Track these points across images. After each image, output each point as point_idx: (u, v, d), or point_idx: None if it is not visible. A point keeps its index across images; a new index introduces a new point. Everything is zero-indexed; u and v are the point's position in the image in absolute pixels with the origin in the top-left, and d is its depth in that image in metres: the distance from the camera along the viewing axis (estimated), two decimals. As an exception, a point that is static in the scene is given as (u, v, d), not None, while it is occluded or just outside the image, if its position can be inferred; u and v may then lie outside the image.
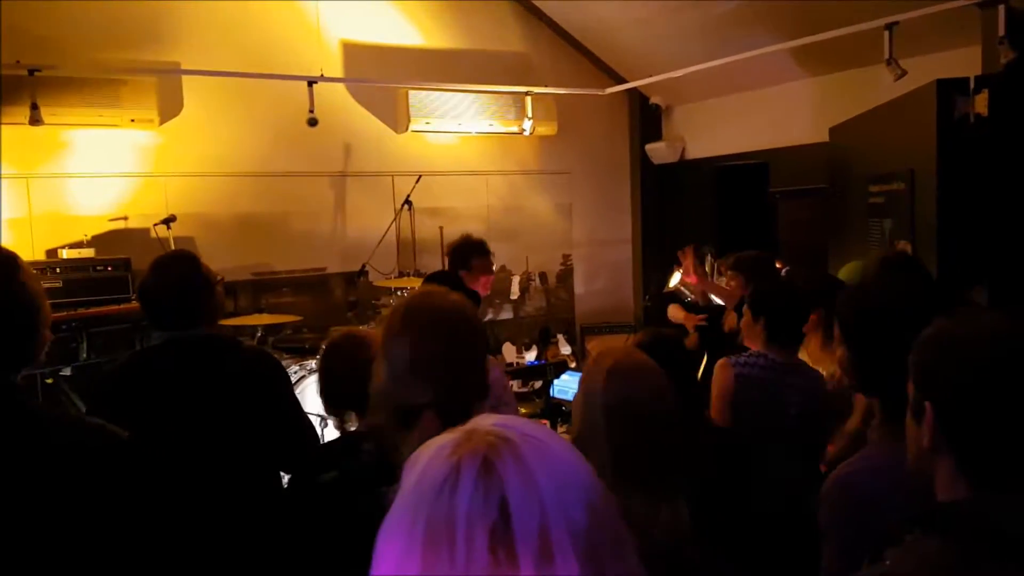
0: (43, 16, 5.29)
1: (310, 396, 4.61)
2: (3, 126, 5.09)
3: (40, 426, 1.52)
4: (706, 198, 6.04)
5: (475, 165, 7.11)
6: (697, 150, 7.41)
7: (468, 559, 0.72)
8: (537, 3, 7.10)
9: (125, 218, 5.69)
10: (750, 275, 4.00)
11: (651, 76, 6.55)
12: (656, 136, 7.68)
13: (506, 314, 7.37)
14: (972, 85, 3.48)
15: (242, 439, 2.36)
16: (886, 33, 4.50)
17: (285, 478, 2.61)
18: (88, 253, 5.29)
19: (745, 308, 3.13)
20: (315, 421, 3.61)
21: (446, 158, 6.95)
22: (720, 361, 3.02)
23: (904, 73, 4.45)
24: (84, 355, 4.80)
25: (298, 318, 5.59)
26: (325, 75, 5.92)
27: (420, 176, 6.29)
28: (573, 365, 5.79)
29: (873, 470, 1.60)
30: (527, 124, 6.74)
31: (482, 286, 4.40)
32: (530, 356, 7.16)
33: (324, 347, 2.49)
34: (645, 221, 7.84)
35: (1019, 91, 3.55)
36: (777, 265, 5.30)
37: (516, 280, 7.37)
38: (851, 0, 4.75)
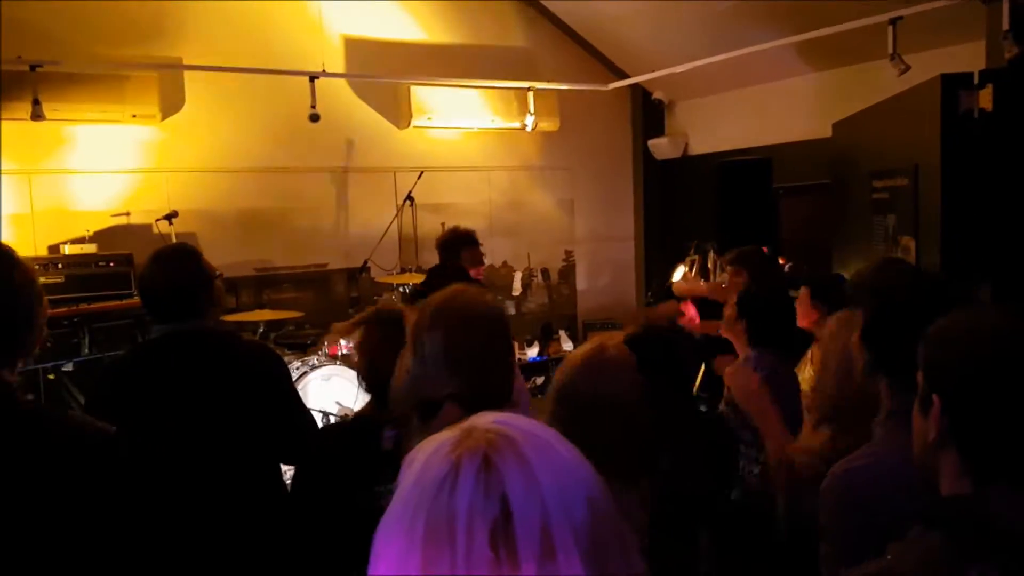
0: (45, 11, 5.29)
1: (312, 392, 4.61)
2: (5, 122, 5.09)
3: (24, 422, 1.51)
4: (708, 194, 6.02)
5: (477, 161, 7.09)
6: (700, 146, 7.39)
7: (469, 557, 0.71)
8: (539, -2, 7.10)
9: (127, 214, 5.69)
10: (753, 270, 3.99)
11: (654, 71, 6.54)
12: (658, 132, 7.67)
13: (508, 310, 7.37)
14: (976, 80, 3.47)
15: (242, 432, 2.35)
16: (890, 28, 4.49)
17: (286, 474, 2.60)
18: (90, 249, 5.29)
19: (730, 302, 3.13)
20: (316, 416, 3.62)
21: (448, 154, 6.94)
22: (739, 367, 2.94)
23: (908, 68, 4.44)
24: (86, 350, 4.80)
25: (300, 314, 5.59)
26: (327, 70, 5.92)
27: (422, 172, 6.28)
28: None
29: (877, 466, 1.59)
30: (529, 120, 6.73)
31: (473, 278, 4.40)
32: (532, 352, 7.16)
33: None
34: (647, 217, 7.82)
35: (1023, 86, 3.53)
36: (780, 261, 5.30)
37: (518, 276, 7.36)
38: (855, -5, 4.74)
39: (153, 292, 2.40)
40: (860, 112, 4.60)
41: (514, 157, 7.27)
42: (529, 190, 7.40)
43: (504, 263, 7.22)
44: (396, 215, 6.33)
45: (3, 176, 5.20)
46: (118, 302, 5.07)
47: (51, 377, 4.60)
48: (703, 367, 4.33)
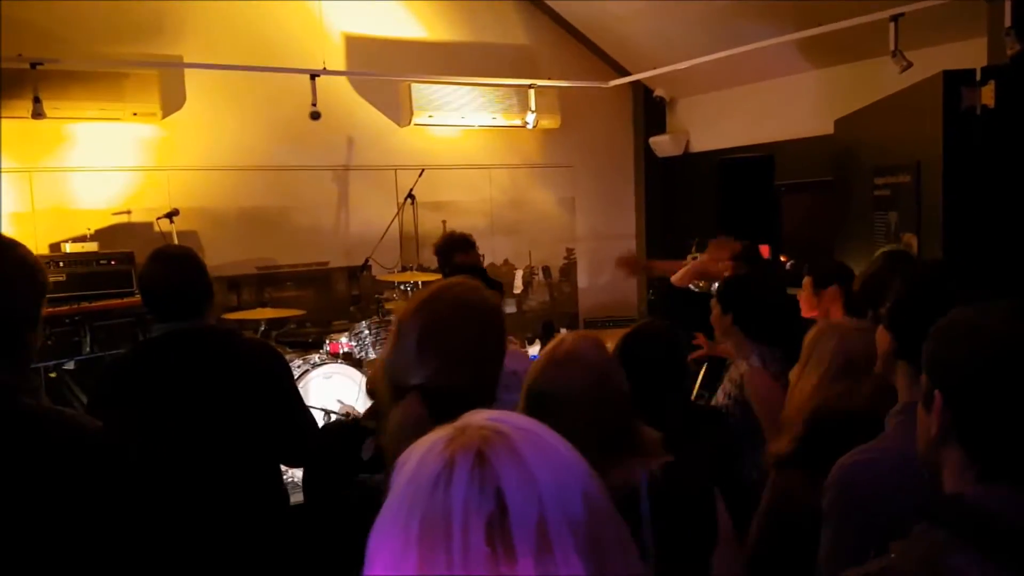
0: (45, 9, 5.28)
1: (313, 390, 4.61)
2: (5, 120, 5.09)
3: (22, 423, 1.50)
4: (710, 191, 6.00)
5: (478, 159, 7.09)
6: (701, 143, 7.38)
7: (465, 554, 0.71)
8: (540, -4, 7.09)
9: (128, 212, 5.69)
10: (750, 265, 3.99)
11: (655, 68, 6.53)
12: (660, 129, 7.66)
13: (509, 308, 7.35)
14: (978, 77, 3.46)
15: (242, 431, 2.35)
16: (891, 25, 4.48)
17: (286, 472, 2.60)
18: (91, 247, 5.29)
19: (713, 302, 3.03)
20: (318, 415, 3.62)
21: (449, 152, 6.94)
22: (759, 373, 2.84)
23: (910, 65, 4.43)
24: (87, 349, 4.80)
25: (301, 312, 5.59)
26: (328, 68, 5.91)
27: (423, 170, 6.27)
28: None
29: (884, 460, 1.57)
30: (530, 117, 6.73)
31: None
32: (533, 350, 7.14)
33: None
34: (649, 215, 7.82)
35: (1025, 82, 3.52)
36: (782, 259, 5.29)
37: (519, 274, 7.36)
38: (856, -9, 4.73)
39: (155, 291, 2.40)
40: (862, 109, 4.60)
41: (515, 155, 7.27)
42: (530, 188, 7.39)
43: (505, 261, 7.21)
44: (397, 213, 6.33)
45: (4, 174, 5.20)
46: (119, 300, 5.07)
47: (52, 375, 4.60)
48: (704, 366, 4.33)
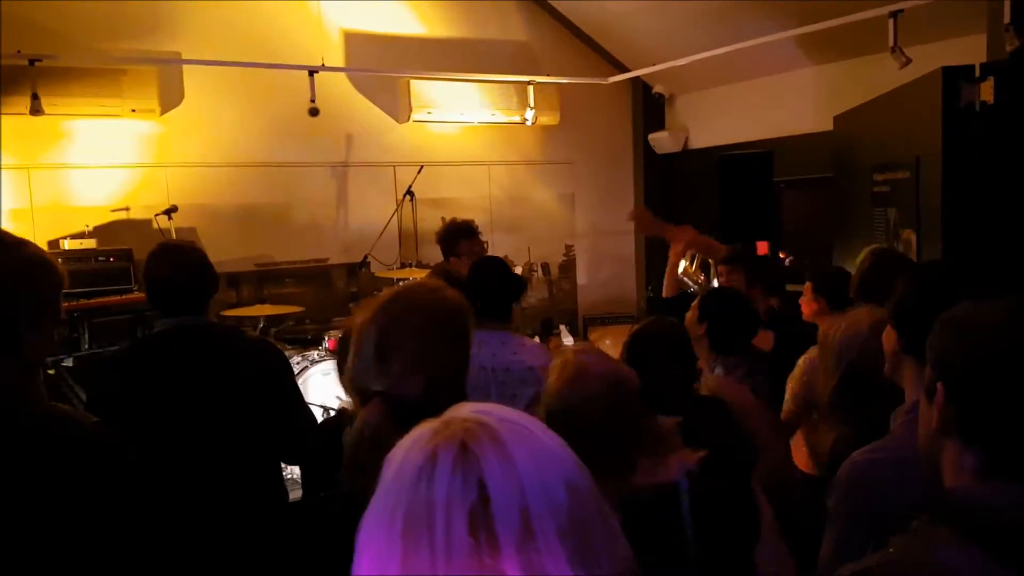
0: (44, 6, 5.28)
1: (312, 387, 4.61)
2: (4, 116, 5.08)
3: (18, 424, 1.49)
4: (709, 188, 6.01)
5: (477, 155, 7.08)
6: (700, 139, 7.38)
7: (448, 545, 0.71)
8: (539, -8, 7.08)
9: (127, 209, 5.68)
10: (748, 268, 3.98)
11: (654, 65, 6.52)
12: (659, 125, 7.65)
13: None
14: (977, 73, 3.45)
15: (242, 427, 2.35)
16: (891, 21, 4.48)
17: (285, 469, 2.60)
18: (90, 244, 5.28)
19: (693, 305, 3.12)
20: (317, 412, 3.62)
21: (448, 148, 6.93)
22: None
23: (909, 61, 4.43)
24: (86, 345, 4.81)
25: (300, 309, 5.59)
26: (326, 64, 5.91)
27: (422, 166, 6.27)
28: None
29: (892, 460, 1.56)
30: (529, 114, 6.72)
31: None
32: (534, 347, 7.14)
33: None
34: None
35: (1025, 78, 3.52)
36: (781, 255, 5.29)
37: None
38: (856, -13, 4.72)
39: (157, 285, 2.40)
40: (861, 105, 4.59)
41: (514, 151, 7.26)
42: (529, 184, 7.39)
43: (504, 257, 7.14)
44: (396, 210, 6.32)
45: (3, 171, 5.20)
46: (118, 297, 5.06)
47: (51, 372, 4.59)
48: None
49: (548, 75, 6.82)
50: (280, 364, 2.56)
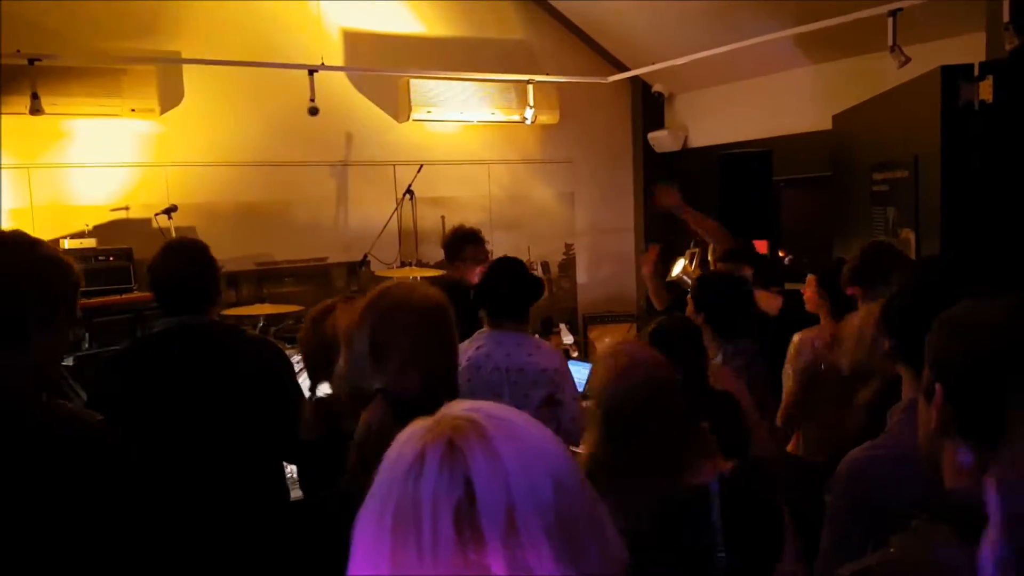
0: (43, 5, 5.27)
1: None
2: (4, 116, 5.08)
3: (24, 424, 1.49)
4: (709, 187, 6.01)
5: (477, 154, 7.09)
6: (700, 138, 7.38)
7: (434, 541, 0.72)
8: (539, -9, 7.08)
9: (126, 208, 5.68)
10: (750, 264, 4.00)
11: (654, 64, 6.52)
12: (658, 124, 7.65)
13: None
14: (976, 72, 3.45)
15: (243, 426, 2.35)
16: (890, 20, 4.48)
17: (288, 469, 2.60)
18: (90, 243, 5.28)
19: (688, 298, 3.15)
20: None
21: (448, 147, 6.93)
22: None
23: (908, 60, 4.43)
24: (86, 345, 4.80)
25: (300, 308, 5.57)
26: (326, 64, 5.91)
27: (422, 165, 6.27)
28: (576, 355, 5.78)
29: (891, 457, 1.57)
30: (529, 113, 6.72)
31: (478, 276, 4.39)
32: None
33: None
34: (648, 210, 7.81)
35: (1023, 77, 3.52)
36: (780, 254, 5.30)
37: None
38: (855, -14, 4.73)
39: (160, 283, 2.41)
40: (860, 104, 4.60)
41: (514, 150, 7.26)
42: (529, 183, 7.39)
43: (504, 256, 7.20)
44: (396, 209, 6.32)
45: (2, 170, 5.20)
46: (118, 296, 5.06)
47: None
48: None
49: (547, 74, 6.82)
50: (280, 363, 2.56)
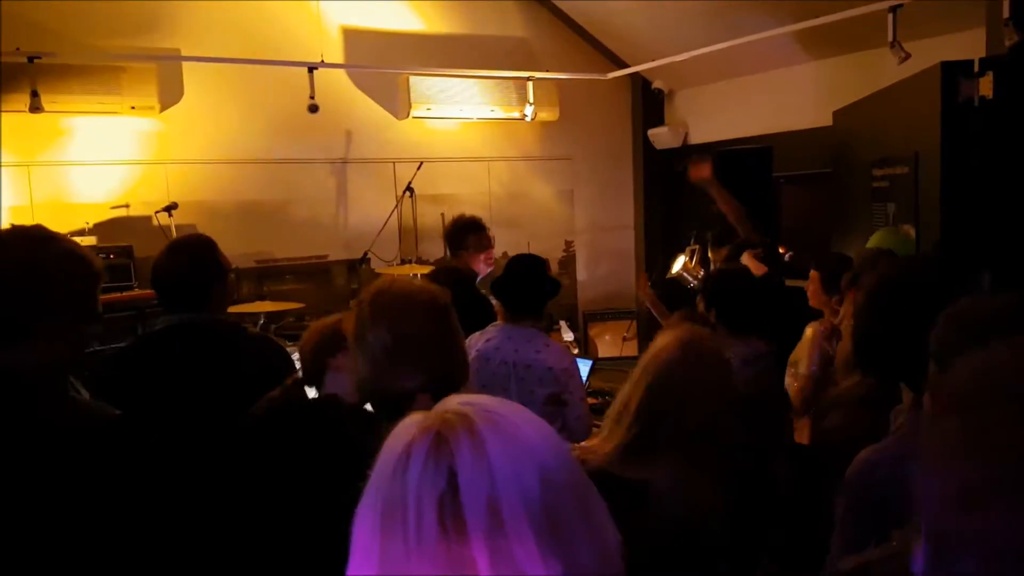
0: (43, 4, 5.27)
1: (313, 383, 4.61)
2: (3, 114, 5.08)
3: (31, 409, 1.50)
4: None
5: (477, 151, 7.08)
6: (700, 135, 7.37)
7: (419, 533, 0.72)
8: (538, -13, 7.08)
9: (127, 206, 5.68)
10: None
11: (653, 60, 6.52)
12: (658, 121, 7.65)
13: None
14: (976, 68, 3.46)
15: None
16: (890, 16, 4.48)
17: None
18: (90, 241, 5.27)
19: (699, 298, 3.14)
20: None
21: (447, 144, 6.93)
22: None
23: (908, 56, 4.43)
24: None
25: (300, 305, 5.58)
26: (325, 61, 5.90)
27: (421, 163, 6.27)
28: (576, 352, 5.79)
29: (899, 457, 1.55)
30: (528, 110, 6.72)
31: (483, 263, 4.40)
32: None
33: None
34: (648, 207, 7.82)
35: (1023, 73, 3.53)
36: (780, 250, 5.30)
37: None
38: (855, -18, 4.72)
39: (159, 281, 2.41)
40: (860, 100, 4.60)
41: (514, 147, 7.26)
42: (529, 180, 7.39)
43: (504, 254, 7.19)
44: (396, 206, 6.32)
45: (2, 168, 5.20)
46: (118, 294, 5.06)
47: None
48: None
49: (547, 71, 6.82)
50: (282, 360, 2.56)
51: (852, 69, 5.66)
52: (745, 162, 5.52)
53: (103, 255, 5.15)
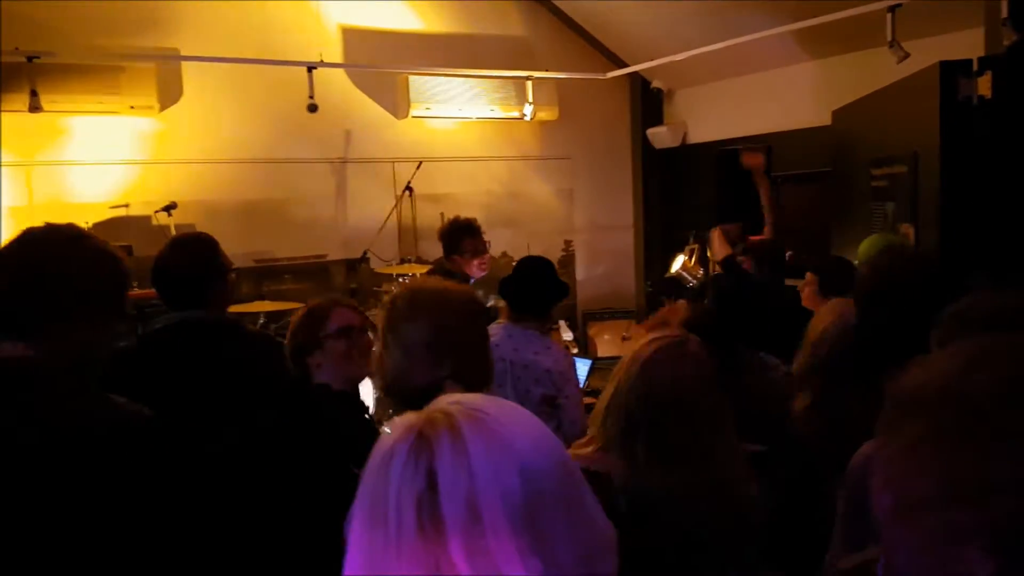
0: (42, 3, 5.27)
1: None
2: (3, 113, 5.08)
3: (61, 407, 1.50)
4: (708, 182, 6.02)
5: (476, 151, 7.08)
6: (699, 134, 7.37)
7: (399, 532, 0.73)
8: (537, -13, 7.07)
9: (126, 205, 5.68)
10: (758, 257, 4.01)
11: (652, 60, 6.52)
12: (657, 120, 7.65)
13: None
14: (975, 67, 3.46)
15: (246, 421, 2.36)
16: (889, 15, 4.48)
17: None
18: (89, 241, 5.27)
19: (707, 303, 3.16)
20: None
21: (446, 144, 6.93)
22: None
23: (907, 55, 4.43)
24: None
25: (300, 305, 5.57)
26: (325, 61, 5.91)
27: (421, 162, 6.27)
28: (575, 351, 5.79)
29: None
30: (528, 109, 6.72)
31: (476, 268, 4.40)
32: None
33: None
34: (647, 206, 7.82)
35: (1022, 72, 3.52)
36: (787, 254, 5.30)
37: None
38: (854, -18, 4.73)
39: (158, 278, 2.41)
40: (859, 100, 4.60)
41: (513, 147, 7.26)
42: (528, 180, 7.39)
43: (503, 253, 7.21)
44: (395, 205, 6.32)
45: (2, 168, 5.20)
46: (118, 294, 5.05)
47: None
48: None
49: (546, 70, 6.82)
50: (282, 358, 2.56)
51: (851, 68, 5.66)
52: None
53: (102, 255, 5.15)
